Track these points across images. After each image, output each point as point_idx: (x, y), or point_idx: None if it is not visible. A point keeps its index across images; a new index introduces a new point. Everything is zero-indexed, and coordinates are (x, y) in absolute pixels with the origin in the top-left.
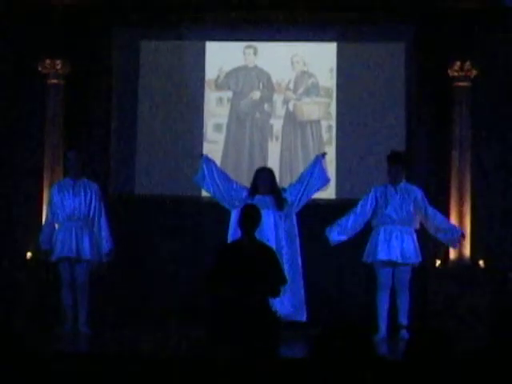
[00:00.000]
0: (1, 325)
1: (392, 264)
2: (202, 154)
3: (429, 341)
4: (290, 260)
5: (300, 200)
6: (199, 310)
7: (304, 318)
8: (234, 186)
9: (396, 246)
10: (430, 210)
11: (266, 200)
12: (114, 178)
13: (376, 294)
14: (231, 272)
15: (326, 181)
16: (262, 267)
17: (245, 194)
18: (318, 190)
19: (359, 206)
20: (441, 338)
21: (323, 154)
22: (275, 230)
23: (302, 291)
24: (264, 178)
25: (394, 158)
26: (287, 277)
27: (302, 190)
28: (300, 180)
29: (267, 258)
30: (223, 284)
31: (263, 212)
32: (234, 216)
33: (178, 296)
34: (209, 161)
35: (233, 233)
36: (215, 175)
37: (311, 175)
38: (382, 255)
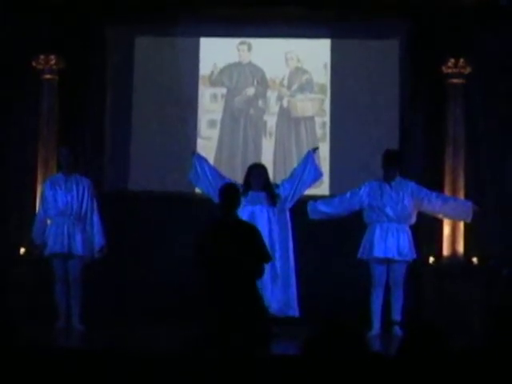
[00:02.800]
0: None
1: (387, 261)
2: (193, 152)
3: (422, 337)
4: (283, 256)
5: (293, 195)
6: (194, 306)
7: (297, 314)
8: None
9: (392, 243)
10: (435, 194)
11: (259, 196)
12: (108, 174)
13: (370, 291)
14: (212, 253)
15: (319, 175)
16: (245, 244)
17: None
18: (310, 185)
19: (349, 193)
20: (434, 334)
21: (315, 149)
22: (268, 226)
23: (295, 286)
24: (257, 174)
25: (388, 158)
26: (271, 256)
27: (294, 185)
28: (292, 175)
29: (249, 235)
30: (205, 270)
31: (256, 208)
32: None
33: (173, 292)
34: (200, 158)
35: None
36: (207, 172)
37: (303, 170)
38: (378, 252)
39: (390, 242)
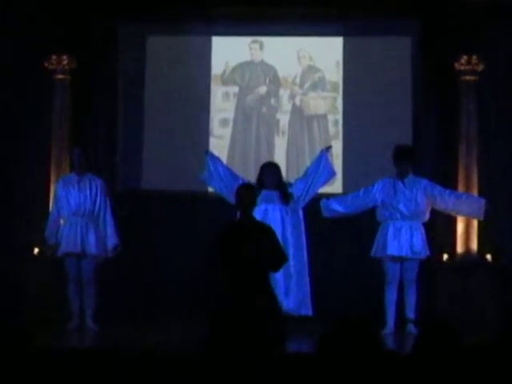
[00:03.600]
0: (8, 321)
1: (400, 259)
2: (206, 151)
3: (437, 335)
4: (297, 255)
5: (306, 194)
6: (206, 306)
7: (310, 313)
8: (240, 181)
9: (405, 241)
10: (448, 191)
11: (272, 195)
12: (121, 174)
13: (384, 289)
14: (231, 253)
15: (332, 174)
16: (261, 246)
17: None
18: (323, 184)
19: (361, 191)
20: (449, 331)
21: (328, 148)
22: (281, 225)
23: (308, 285)
24: (270, 173)
25: (401, 154)
26: (287, 256)
27: (308, 184)
28: (306, 174)
29: (266, 236)
30: (223, 270)
31: (269, 207)
32: None
33: (186, 292)
34: (214, 157)
35: None
36: (220, 172)
37: (317, 169)
38: (391, 250)
39: (403, 240)
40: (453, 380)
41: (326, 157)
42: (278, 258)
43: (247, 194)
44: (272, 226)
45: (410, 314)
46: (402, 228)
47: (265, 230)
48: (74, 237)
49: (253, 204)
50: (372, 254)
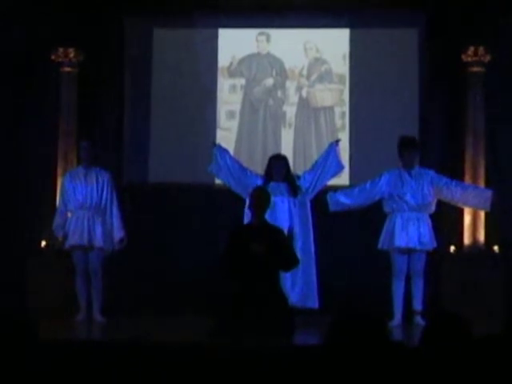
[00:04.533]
0: (15, 313)
1: (408, 251)
2: (214, 143)
3: (444, 326)
4: (304, 247)
5: (314, 187)
6: (213, 298)
7: (316, 305)
8: (248, 173)
9: (413, 232)
10: (454, 182)
11: (281, 187)
12: (128, 167)
13: (391, 281)
14: (242, 255)
15: (340, 168)
16: (272, 249)
17: (259, 181)
18: (332, 176)
19: (368, 183)
20: (456, 323)
21: (337, 141)
22: (289, 217)
23: (315, 278)
24: (278, 166)
25: (407, 144)
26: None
27: (316, 177)
28: (314, 167)
29: (278, 239)
30: (235, 269)
31: (277, 199)
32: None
33: (193, 284)
34: (222, 150)
35: (247, 219)
36: (228, 164)
37: (325, 162)
38: (399, 242)
39: (410, 232)
40: (461, 371)
41: (335, 150)
42: (289, 260)
43: (262, 196)
44: (279, 217)
45: (418, 306)
46: (409, 219)
47: (276, 232)
48: (80, 230)
49: (266, 206)
50: (379, 246)
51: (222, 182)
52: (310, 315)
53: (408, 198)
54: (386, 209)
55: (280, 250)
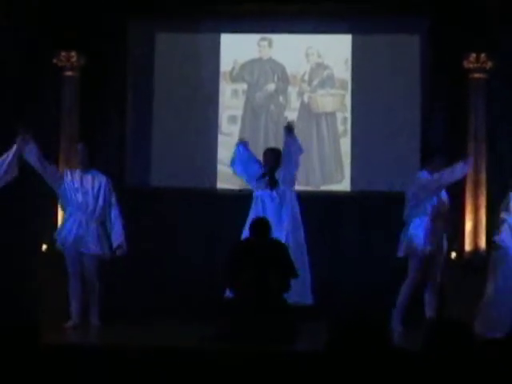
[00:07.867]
0: (16, 317)
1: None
2: (240, 140)
3: (446, 332)
4: (295, 244)
5: (283, 175)
6: (213, 304)
7: (310, 302)
8: (253, 160)
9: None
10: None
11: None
12: (130, 170)
13: (402, 286)
14: (245, 269)
15: (299, 150)
16: (273, 263)
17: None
18: (297, 162)
19: None
20: (458, 329)
21: (289, 128)
22: (273, 209)
23: (309, 275)
24: (263, 160)
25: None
26: (298, 273)
27: (284, 167)
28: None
29: (278, 253)
30: (240, 281)
31: (258, 193)
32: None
33: (192, 289)
34: (242, 143)
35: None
36: (244, 156)
37: (289, 153)
38: (425, 247)
39: (427, 237)
40: (462, 376)
41: (289, 140)
42: (287, 273)
43: (261, 225)
44: (266, 210)
45: (430, 312)
46: (425, 224)
47: (275, 246)
48: (75, 233)
49: (267, 234)
50: (399, 253)
51: (235, 173)
52: (306, 316)
53: (426, 204)
54: (407, 215)
55: (279, 266)
